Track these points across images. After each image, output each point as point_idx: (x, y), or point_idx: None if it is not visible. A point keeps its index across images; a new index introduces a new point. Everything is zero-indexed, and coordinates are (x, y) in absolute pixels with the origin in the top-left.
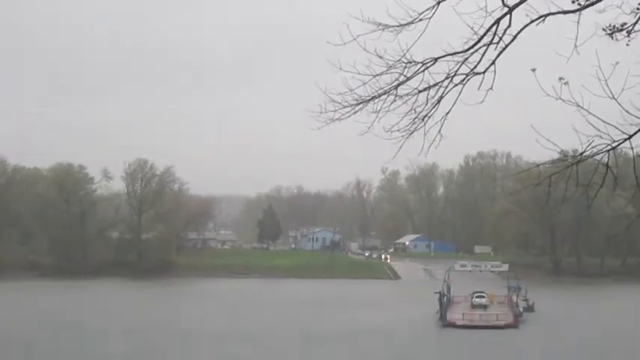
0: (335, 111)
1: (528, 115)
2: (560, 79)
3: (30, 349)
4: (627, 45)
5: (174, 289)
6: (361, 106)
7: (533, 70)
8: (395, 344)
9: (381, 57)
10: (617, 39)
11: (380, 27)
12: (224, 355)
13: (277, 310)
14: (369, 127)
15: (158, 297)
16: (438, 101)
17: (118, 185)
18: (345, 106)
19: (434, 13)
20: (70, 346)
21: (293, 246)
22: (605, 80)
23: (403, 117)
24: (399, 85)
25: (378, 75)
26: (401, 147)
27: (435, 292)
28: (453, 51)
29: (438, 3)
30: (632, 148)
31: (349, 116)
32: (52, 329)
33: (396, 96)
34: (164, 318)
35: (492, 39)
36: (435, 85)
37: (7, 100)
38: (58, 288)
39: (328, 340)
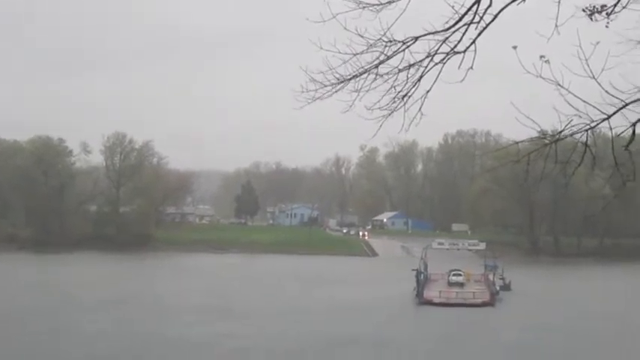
0: (316, 90)
1: (509, 94)
2: (541, 57)
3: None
4: (606, 27)
5: (153, 263)
6: (342, 85)
7: (515, 47)
8: (371, 321)
9: (361, 36)
10: (596, 20)
11: (360, 5)
12: (205, 330)
13: (256, 286)
14: (350, 106)
15: (136, 270)
16: (419, 80)
17: (97, 159)
18: (326, 85)
19: None
20: (48, 319)
21: (271, 222)
22: (586, 60)
23: (384, 95)
24: (379, 64)
25: (358, 54)
26: (381, 125)
27: (412, 270)
28: (433, 30)
29: None
30: (610, 129)
31: (330, 95)
32: (30, 302)
33: (376, 75)
34: (142, 292)
35: (473, 18)
36: (415, 64)
37: None
38: (35, 261)
39: (306, 315)
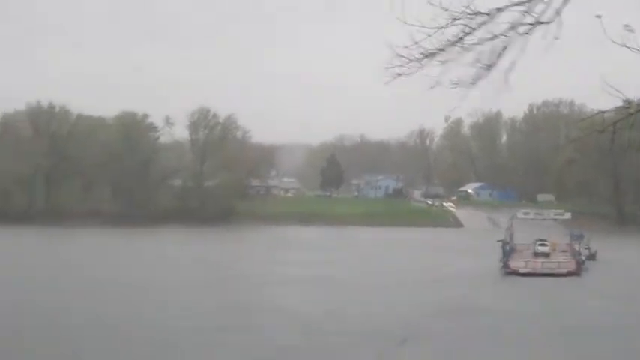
0: (401, 66)
1: (594, 63)
2: (626, 26)
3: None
4: None
5: (244, 236)
6: (427, 59)
7: (598, 16)
8: (457, 291)
9: (445, 9)
10: None
11: None
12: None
13: (351, 256)
14: (437, 81)
15: (228, 245)
16: (503, 51)
17: (181, 133)
18: (411, 60)
19: None
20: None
21: (356, 194)
22: None
23: (469, 67)
24: (464, 36)
25: (443, 27)
26: (465, 96)
27: (498, 240)
28: (518, 1)
29: None
30: None
31: (416, 71)
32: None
33: (462, 47)
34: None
35: None
36: (499, 35)
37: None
38: (121, 236)
39: (397, 288)
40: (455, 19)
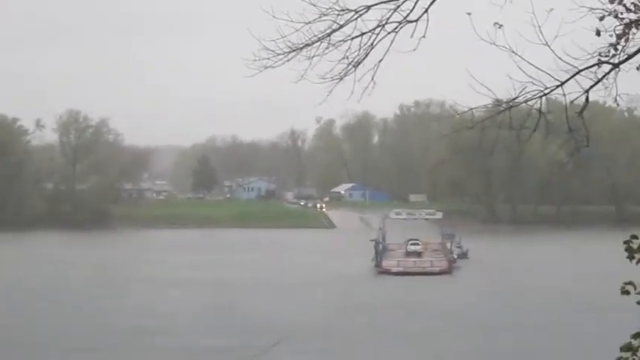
0: (268, 58)
1: (463, 62)
2: (495, 23)
3: None
4: None
5: (116, 240)
6: (294, 53)
7: (469, 14)
8: (331, 291)
9: (314, 4)
10: None
11: None
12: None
13: (227, 258)
14: (302, 75)
15: (102, 248)
16: (371, 48)
17: (52, 137)
18: (278, 54)
19: None
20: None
21: (228, 196)
22: (539, 27)
23: (336, 64)
24: (332, 32)
25: (310, 22)
26: (331, 91)
27: (371, 240)
28: None
29: None
30: (564, 95)
31: (282, 64)
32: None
33: (329, 43)
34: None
35: None
36: (367, 32)
37: None
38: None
39: (274, 289)
40: (323, 14)
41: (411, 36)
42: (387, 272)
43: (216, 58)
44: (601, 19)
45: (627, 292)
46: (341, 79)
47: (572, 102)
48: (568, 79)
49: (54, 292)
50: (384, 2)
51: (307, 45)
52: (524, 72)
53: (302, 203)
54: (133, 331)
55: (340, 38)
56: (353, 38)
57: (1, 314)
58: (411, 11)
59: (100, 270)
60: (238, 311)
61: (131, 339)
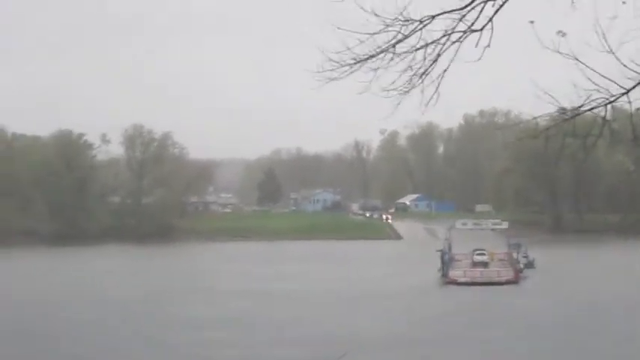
0: (333, 70)
1: (527, 71)
2: (559, 32)
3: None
4: (623, 2)
5: (180, 252)
6: (359, 65)
7: (531, 22)
8: (399, 302)
9: (378, 15)
10: None
11: None
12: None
13: (299, 270)
14: (366, 87)
15: (165, 262)
16: (436, 59)
17: (117, 151)
18: (342, 65)
19: None
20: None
21: (294, 208)
22: (603, 34)
23: (401, 75)
24: (396, 43)
25: (375, 33)
26: (398, 104)
27: (437, 251)
28: (450, 8)
29: None
30: (629, 102)
31: (347, 75)
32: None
33: (393, 54)
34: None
35: None
36: (432, 42)
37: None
38: (58, 255)
39: (342, 300)
40: (387, 25)
41: (476, 45)
42: (454, 282)
43: (280, 70)
44: None
45: None
46: (407, 91)
47: (637, 109)
48: (634, 87)
49: (125, 302)
50: (449, 12)
51: (372, 56)
52: (589, 79)
53: (367, 215)
54: (203, 343)
55: (405, 49)
56: (418, 49)
57: (99, 324)
58: (476, 20)
59: (168, 281)
60: (307, 323)
61: (201, 350)
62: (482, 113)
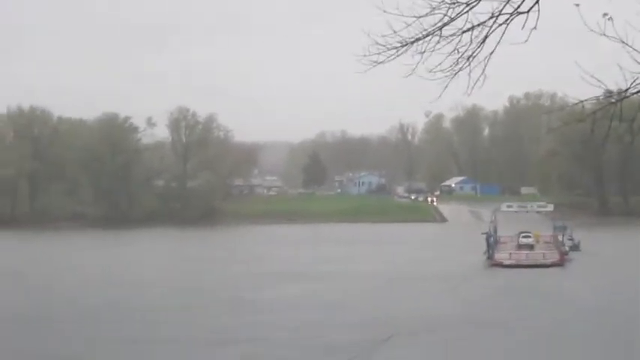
0: (379, 54)
1: (573, 54)
2: (605, 14)
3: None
4: None
5: (226, 235)
6: (405, 47)
7: (577, 5)
8: (444, 285)
9: None
10: None
11: None
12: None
13: (329, 253)
14: (413, 69)
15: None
16: (483, 41)
17: (162, 134)
18: (389, 49)
19: None
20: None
21: (339, 191)
22: None
23: (447, 57)
24: (443, 26)
25: (422, 16)
26: (446, 87)
27: (483, 233)
28: None
29: None
30: None
31: (394, 59)
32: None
33: (440, 37)
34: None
35: None
36: (478, 25)
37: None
38: (104, 238)
39: (390, 282)
40: (434, 8)
41: (522, 27)
42: (500, 265)
43: (324, 53)
44: None
45: None
46: (455, 74)
47: None
48: None
49: (178, 289)
50: None
51: (418, 39)
52: (636, 62)
53: (412, 197)
54: (253, 325)
55: (451, 32)
56: (464, 31)
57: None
58: (522, 3)
59: (217, 265)
60: (355, 305)
61: (250, 333)
62: (527, 95)
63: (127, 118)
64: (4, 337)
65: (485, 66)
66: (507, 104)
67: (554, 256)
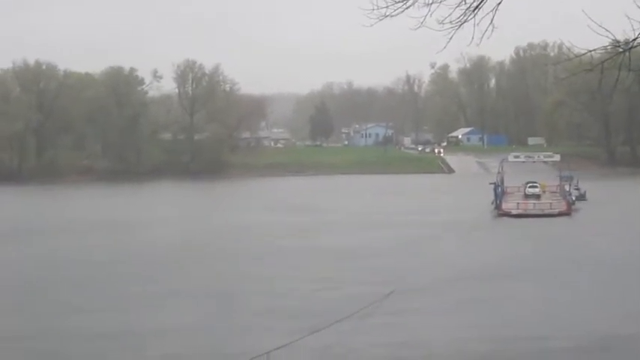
0: (387, 7)
1: (580, 3)
2: None
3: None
4: None
5: (237, 187)
6: (412, 0)
7: None
8: (454, 233)
9: None
10: None
11: None
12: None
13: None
14: (421, 22)
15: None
16: None
17: (168, 86)
18: (397, 1)
19: None
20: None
21: (346, 142)
22: None
23: (455, 9)
24: None
25: None
26: (451, 38)
27: (490, 183)
28: None
29: None
30: None
31: (402, 11)
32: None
33: None
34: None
35: None
36: None
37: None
38: (114, 190)
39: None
40: None
41: None
42: (507, 214)
43: (331, 5)
44: None
45: None
46: (461, 24)
47: None
48: None
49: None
50: None
51: None
52: None
53: (420, 148)
54: (279, 277)
55: None
56: None
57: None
58: None
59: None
60: (367, 255)
61: (252, 286)
62: (531, 46)
63: (132, 70)
64: None
65: (493, 17)
66: (513, 55)
67: (561, 206)
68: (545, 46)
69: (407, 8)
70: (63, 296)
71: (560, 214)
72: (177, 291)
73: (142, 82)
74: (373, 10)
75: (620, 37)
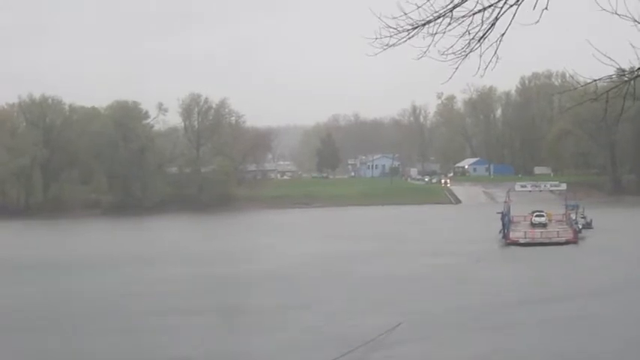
0: (390, 36)
1: (585, 33)
2: None
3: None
4: None
5: (243, 220)
6: (416, 30)
7: None
8: (463, 262)
9: None
10: None
11: None
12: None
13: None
14: (424, 52)
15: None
16: (494, 22)
17: (174, 120)
18: (400, 31)
19: None
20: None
21: (352, 174)
22: None
23: (459, 39)
24: (454, 7)
25: None
26: (457, 68)
27: (498, 213)
28: None
29: None
30: None
31: (405, 41)
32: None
33: (451, 18)
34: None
35: None
36: (489, 6)
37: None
38: (119, 225)
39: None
40: None
41: (534, 8)
42: (515, 243)
43: (336, 37)
44: None
45: None
46: (466, 55)
47: None
48: None
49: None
50: None
51: (429, 21)
52: None
53: (426, 179)
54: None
55: (462, 13)
56: (475, 13)
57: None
58: None
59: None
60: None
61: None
62: (536, 75)
63: (136, 104)
64: None
65: (497, 47)
66: (518, 85)
67: (567, 234)
68: (549, 76)
69: (410, 38)
70: None
71: (567, 242)
72: None
73: (147, 115)
74: (376, 39)
75: (625, 66)
